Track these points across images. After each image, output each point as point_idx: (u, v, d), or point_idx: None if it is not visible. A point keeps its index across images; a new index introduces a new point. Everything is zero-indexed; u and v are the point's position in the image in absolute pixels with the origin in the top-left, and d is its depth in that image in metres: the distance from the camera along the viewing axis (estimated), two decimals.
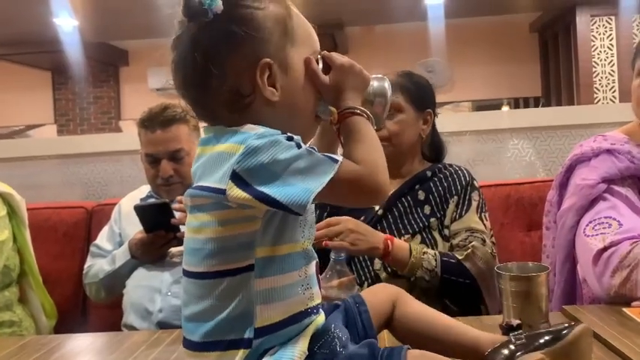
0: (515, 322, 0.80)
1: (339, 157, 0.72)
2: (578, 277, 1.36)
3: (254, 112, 0.73)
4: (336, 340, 0.70)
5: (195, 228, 0.71)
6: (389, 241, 1.30)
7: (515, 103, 7.69)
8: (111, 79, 7.83)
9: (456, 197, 1.45)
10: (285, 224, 0.70)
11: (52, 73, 7.81)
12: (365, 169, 0.73)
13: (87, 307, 1.89)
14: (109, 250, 1.72)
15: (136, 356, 1.02)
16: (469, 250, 1.35)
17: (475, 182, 1.50)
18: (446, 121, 2.20)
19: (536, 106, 7.10)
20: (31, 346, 1.12)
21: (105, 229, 1.79)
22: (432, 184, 1.47)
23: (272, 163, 0.66)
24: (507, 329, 0.79)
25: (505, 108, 7.61)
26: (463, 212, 1.44)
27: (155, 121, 1.61)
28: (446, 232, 1.43)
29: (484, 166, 2.19)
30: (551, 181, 1.45)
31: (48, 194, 2.20)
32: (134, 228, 1.66)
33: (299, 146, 0.69)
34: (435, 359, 0.71)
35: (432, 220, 1.43)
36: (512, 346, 0.76)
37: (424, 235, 1.41)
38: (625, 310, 1.07)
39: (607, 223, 1.23)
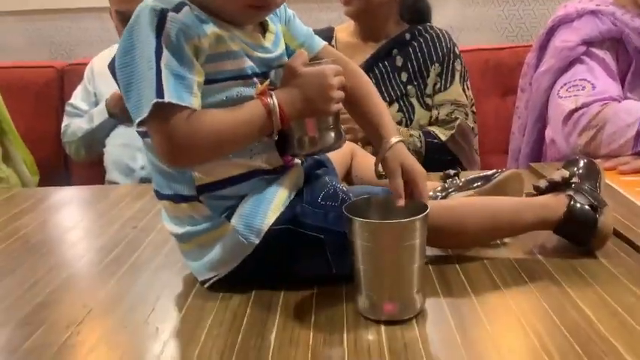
0: (453, 171, 0.89)
1: (171, 98, 0.61)
2: (545, 138, 1.42)
3: None
4: (339, 192, 0.72)
5: None
6: None
7: None
8: None
9: (437, 65, 1.42)
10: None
11: None
12: (190, 138, 0.63)
13: (69, 166, 1.92)
14: (84, 109, 1.71)
15: (121, 207, 1.06)
16: (453, 131, 1.36)
17: (457, 49, 1.46)
18: None
19: None
20: (19, 197, 1.15)
21: (78, 89, 1.76)
22: (410, 49, 1.43)
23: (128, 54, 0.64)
24: (446, 177, 0.90)
25: None
26: (448, 84, 1.41)
27: None
28: (427, 100, 1.41)
29: (467, 32, 2.15)
30: (533, 44, 1.45)
31: (12, 55, 2.11)
32: (109, 87, 1.64)
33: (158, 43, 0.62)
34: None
35: (410, 87, 1.41)
36: (447, 187, 0.87)
37: (401, 103, 1.40)
38: None
39: (581, 85, 1.26)
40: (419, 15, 1.48)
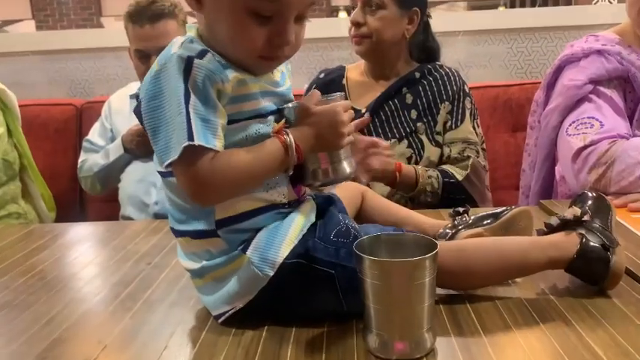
0: (462, 209, 0.91)
1: (200, 141, 0.64)
2: (556, 175, 1.43)
3: (200, 8, 0.71)
4: (351, 229, 0.74)
5: None
6: (398, 167, 1.31)
7: (512, 4, 7.46)
8: None
9: (447, 103, 1.44)
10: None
11: None
12: (215, 178, 0.66)
13: (84, 201, 1.95)
14: (101, 145, 1.75)
15: (137, 242, 1.08)
16: (468, 170, 1.38)
17: (466, 87, 1.49)
18: (437, 21, 2.16)
19: (533, 6, 6.89)
20: (36, 233, 1.18)
21: (96, 125, 1.81)
22: (420, 88, 1.45)
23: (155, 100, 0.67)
24: (455, 214, 0.92)
25: (501, 9, 7.38)
26: (458, 122, 1.43)
27: (143, 15, 1.57)
28: (437, 137, 1.43)
29: (476, 69, 2.18)
30: (542, 81, 1.47)
31: (33, 93, 2.18)
32: (125, 123, 1.69)
33: (187, 90, 0.65)
34: None
35: (419, 124, 1.43)
36: (456, 224, 0.89)
37: (410, 139, 1.42)
38: None
39: (589, 123, 1.27)
40: (428, 54, 1.51)
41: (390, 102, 1.44)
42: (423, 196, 1.35)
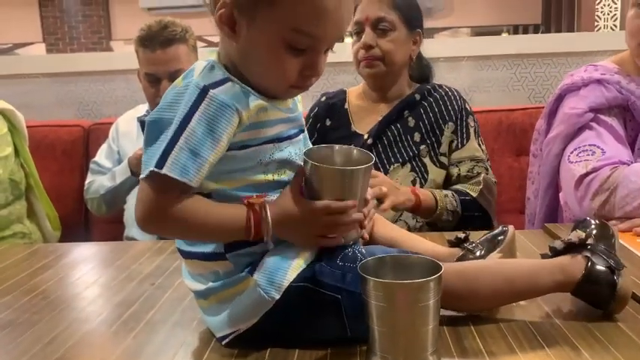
0: (462, 235, 0.90)
1: (169, 172, 0.65)
2: (560, 202, 1.43)
3: (228, 38, 0.72)
4: (358, 254, 0.73)
5: None
6: (417, 192, 1.31)
7: (515, 31, 7.55)
8: None
9: (451, 124, 1.44)
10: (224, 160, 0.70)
11: None
12: (171, 218, 0.68)
13: (89, 222, 1.96)
14: (108, 167, 1.76)
15: (141, 262, 1.08)
16: (481, 186, 1.39)
17: (467, 105, 1.49)
18: (442, 46, 2.19)
19: (536, 32, 6.97)
20: (41, 253, 1.18)
21: (103, 147, 1.83)
22: (421, 110, 1.45)
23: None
24: (457, 241, 0.90)
25: (504, 35, 7.46)
26: (465, 141, 1.44)
27: (155, 40, 1.59)
28: (442, 159, 1.43)
29: (480, 93, 2.20)
30: (544, 108, 1.48)
31: (41, 114, 2.21)
32: (132, 146, 1.70)
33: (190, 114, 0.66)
34: None
35: (422, 147, 1.42)
36: (477, 252, 0.87)
37: (414, 163, 1.41)
38: None
39: (591, 150, 1.28)
40: (422, 73, 1.52)
41: (392, 126, 1.44)
42: (445, 215, 1.34)
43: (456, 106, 1.46)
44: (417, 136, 1.44)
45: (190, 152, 0.66)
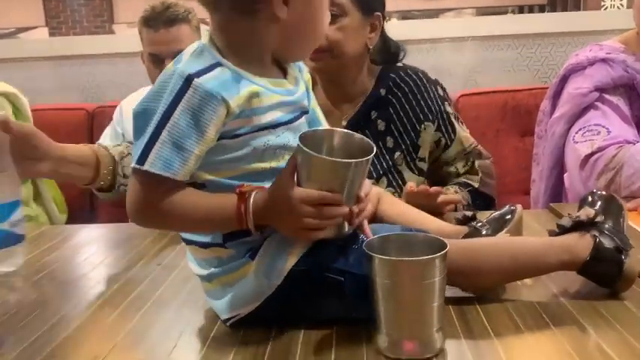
0: (469, 212, 0.90)
1: (152, 168, 0.65)
2: (565, 183, 1.42)
3: (255, 20, 0.69)
4: (359, 235, 0.72)
5: None
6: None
7: (520, 11, 7.46)
8: None
9: (428, 123, 1.26)
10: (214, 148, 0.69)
11: None
12: (160, 208, 0.67)
13: (95, 206, 1.96)
14: None
15: (147, 243, 1.09)
16: (480, 175, 1.29)
17: (440, 90, 1.31)
18: (446, 26, 2.16)
19: (542, 12, 6.88)
20: (47, 234, 1.19)
21: (107, 130, 1.83)
22: (390, 109, 1.26)
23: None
24: (464, 219, 0.90)
25: (510, 14, 7.37)
26: (452, 135, 1.30)
27: (159, 19, 1.59)
28: (420, 165, 1.27)
29: (484, 74, 2.18)
30: (549, 88, 1.47)
31: (44, 98, 2.20)
32: None
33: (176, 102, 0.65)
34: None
35: (398, 154, 1.25)
36: (483, 231, 0.86)
37: (390, 176, 1.25)
38: None
39: (596, 130, 1.27)
40: (389, 56, 1.32)
41: (360, 133, 1.26)
42: (461, 211, 1.20)
43: (429, 100, 1.28)
44: (389, 142, 1.26)
45: (174, 145, 0.65)
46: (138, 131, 0.68)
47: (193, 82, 0.66)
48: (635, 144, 1.22)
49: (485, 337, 0.68)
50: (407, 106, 1.27)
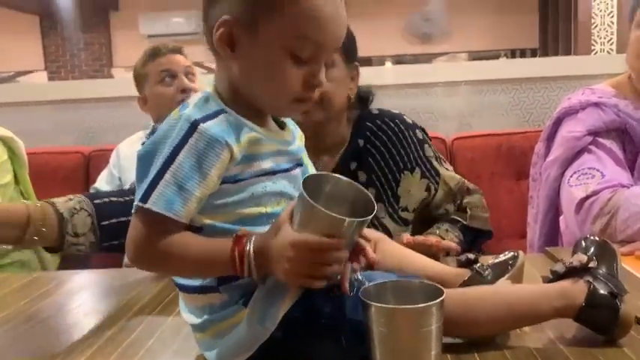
0: (472, 255, 0.89)
1: (154, 206, 0.65)
2: (560, 225, 1.42)
3: (225, 67, 0.72)
4: (354, 282, 0.71)
5: None
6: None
7: (512, 55, 7.64)
8: (101, 24, 7.66)
9: (407, 172, 1.24)
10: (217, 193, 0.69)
11: (40, 18, 7.63)
12: (159, 253, 0.67)
13: None
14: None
15: (140, 290, 1.08)
16: (469, 212, 1.28)
17: (419, 133, 1.28)
18: (440, 71, 2.21)
19: (534, 56, 7.05)
20: (40, 281, 1.17)
21: (104, 173, 1.83)
22: (370, 159, 1.24)
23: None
24: (467, 262, 0.88)
25: (502, 59, 7.54)
26: (437, 178, 1.28)
27: (164, 49, 1.74)
28: (404, 214, 1.25)
29: (478, 118, 2.22)
30: (542, 131, 1.49)
31: (41, 141, 2.22)
32: (133, 172, 1.69)
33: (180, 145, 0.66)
34: None
35: (379, 205, 1.21)
36: (485, 275, 0.85)
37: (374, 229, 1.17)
38: None
39: (590, 174, 1.28)
40: (360, 102, 1.31)
41: None
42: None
43: (407, 148, 1.26)
44: (371, 193, 1.24)
45: (176, 186, 0.66)
46: (142, 172, 0.68)
47: (199, 126, 0.67)
48: (629, 187, 1.23)
49: None
50: (387, 155, 1.25)
